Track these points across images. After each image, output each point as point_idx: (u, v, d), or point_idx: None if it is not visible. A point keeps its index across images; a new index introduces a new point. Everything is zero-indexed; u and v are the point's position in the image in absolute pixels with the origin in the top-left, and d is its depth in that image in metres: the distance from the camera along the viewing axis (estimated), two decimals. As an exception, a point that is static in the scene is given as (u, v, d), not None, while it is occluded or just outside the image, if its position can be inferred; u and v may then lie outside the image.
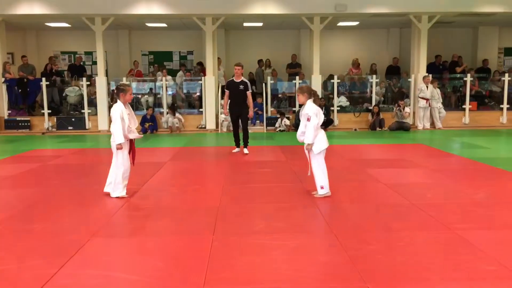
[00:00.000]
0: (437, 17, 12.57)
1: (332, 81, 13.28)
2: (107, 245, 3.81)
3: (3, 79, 12.70)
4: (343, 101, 13.53)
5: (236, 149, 8.74)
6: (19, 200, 5.35)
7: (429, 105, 12.77)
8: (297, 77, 13.10)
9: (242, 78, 8.47)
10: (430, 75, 12.95)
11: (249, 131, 12.50)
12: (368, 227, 4.16)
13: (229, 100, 8.51)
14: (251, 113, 8.60)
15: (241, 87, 8.34)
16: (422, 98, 12.75)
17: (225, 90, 8.62)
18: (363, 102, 13.66)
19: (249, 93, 8.42)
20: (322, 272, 3.19)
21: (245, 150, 8.53)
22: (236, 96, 8.39)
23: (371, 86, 13.45)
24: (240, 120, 8.56)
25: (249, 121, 8.99)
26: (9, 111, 12.91)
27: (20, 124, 12.73)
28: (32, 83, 12.97)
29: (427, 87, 12.77)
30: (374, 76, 13.52)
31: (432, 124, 13.00)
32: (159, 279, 3.14)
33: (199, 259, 3.42)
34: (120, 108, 5.09)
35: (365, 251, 3.55)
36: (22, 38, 15.19)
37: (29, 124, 12.76)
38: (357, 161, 7.68)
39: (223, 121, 12.62)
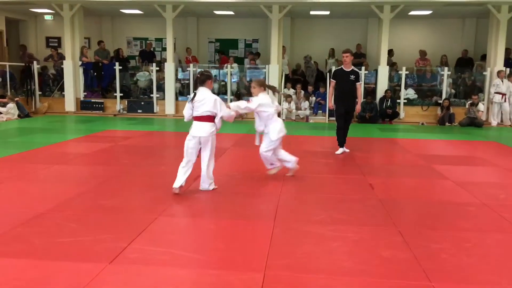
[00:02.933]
0: (520, 6, 11.70)
1: (399, 72, 12.81)
2: (172, 224, 3.98)
3: (80, 63, 13.50)
4: (410, 93, 13.02)
5: (340, 150, 7.48)
6: (92, 176, 5.72)
7: (505, 100, 11.98)
8: (363, 68, 12.76)
9: (353, 67, 7.47)
10: (507, 69, 12.12)
11: (311, 121, 12.55)
12: (435, 225, 4.02)
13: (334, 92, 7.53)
14: (358, 107, 7.64)
15: (352, 77, 7.30)
16: (498, 93, 11.98)
17: (331, 80, 7.64)
18: (432, 95, 13.07)
19: (359, 84, 7.44)
20: (384, 267, 3.13)
21: (342, 149, 7.53)
22: (344, 87, 7.35)
23: (442, 79, 12.82)
24: (345, 115, 7.49)
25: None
26: (85, 93, 13.72)
27: (94, 105, 13.50)
28: (106, 67, 13.67)
29: (502, 81, 11.98)
30: (446, 68, 12.87)
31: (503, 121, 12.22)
32: (220, 259, 3.24)
33: (260, 244, 3.48)
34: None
35: (431, 249, 3.43)
36: (98, 24, 15.99)
37: (102, 106, 13.50)
38: (424, 156, 7.40)
39: (285, 109, 12.61)
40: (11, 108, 11.75)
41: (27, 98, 13.42)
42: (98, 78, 13.86)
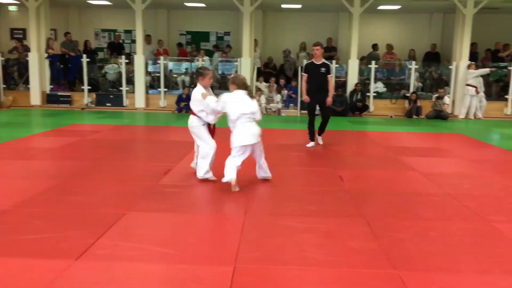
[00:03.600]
0: (484, 2, 12.03)
1: (369, 66, 13.02)
2: (141, 219, 3.94)
3: (46, 55, 13.10)
4: (379, 87, 13.25)
5: (311, 143, 7.56)
6: (59, 172, 5.58)
7: (477, 93, 12.28)
8: (334, 61, 12.87)
9: (323, 60, 7.49)
10: (474, 63, 12.47)
11: (282, 114, 12.61)
12: (401, 215, 4.12)
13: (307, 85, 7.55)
14: (329, 99, 7.48)
15: (322, 69, 7.33)
16: (470, 85, 12.25)
17: (303, 73, 7.71)
18: (401, 88, 13.34)
19: (330, 77, 7.42)
20: (352, 258, 3.19)
21: (320, 140, 7.70)
22: (315, 80, 7.37)
23: (410, 72, 13.09)
24: (320, 109, 7.59)
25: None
26: (51, 86, 13.34)
27: (61, 99, 13.13)
28: (73, 60, 13.32)
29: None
30: (414, 62, 13.14)
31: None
32: (191, 254, 3.23)
33: (230, 238, 3.50)
34: (200, 91, 5.04)
35: (397, 239, 3.53)
36: (65, 15, 15.54)
37: (69, 99, 13.15)
38: (392, 148, 7.56)
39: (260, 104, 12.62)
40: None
41: (-10, 91, 12.96)
42: (64, 71, 13.49)
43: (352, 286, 2.81)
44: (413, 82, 12.99)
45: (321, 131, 7.75)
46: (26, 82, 13.24)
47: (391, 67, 13.85)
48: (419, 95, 12.66)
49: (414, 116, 12.27)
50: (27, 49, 13.50)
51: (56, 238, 3.41)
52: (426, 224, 3.87)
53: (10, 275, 2.82)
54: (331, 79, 7.50)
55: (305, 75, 7.61)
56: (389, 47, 14.12)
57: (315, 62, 7.49)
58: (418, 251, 3.30)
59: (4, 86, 13.30)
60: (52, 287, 2.66)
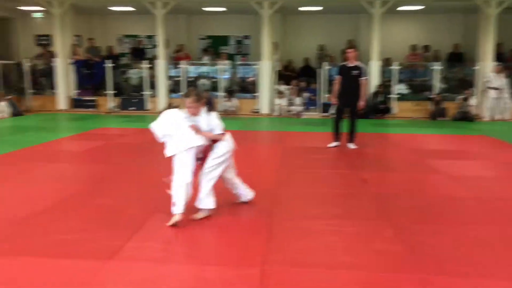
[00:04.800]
0: (507, 1, 11.80)
1: (391, 67, 12.90)
2: (167, 221, 3.99)
3: (70, 61, 13.40)
4: (402, 88, 13.12)
5: (334, 143, 7.61)
6: (88, 175, 5.72)
7: (501, 95, 12.06)
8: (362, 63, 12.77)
9: (356, 62, 7.48)
10: (500, 64, 12.24)
11: (303, 116, 12.60)
12: (427, 219, 4.08)
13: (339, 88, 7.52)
14: (362, 103, 7.40)
15: (355, 72, 7.34)
16: (493, 88, 12.06)
17: (336, 75, 7.73)
18: (424, 90, 13.17)
19: (364, 79, 7.40)
20: (380, 261, 3.18)
21: (351, 145, 7.56)
22: (347, 82, 7.38)
23: (433, 74, 12.92)
24: (350, 112, 7.54)
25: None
26: (77, 91, 13.64)
27: (86, 103, 13.42)
28: (97, 65, 13.59)
29: (496, 76, 12.09)
30: (437, 63, 12.97)
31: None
32: (219, 255, 3.28)
33: (256, 240, 3.52)
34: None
35: (425, 243, 3.49)
36: (89, 22, 15.85)
37: (95, 103, 13.43)
38: (417, 151, 7.47)
39: (277, 105, 12.65)
40: (3, 106, 11.66)
41: (19, 96, 13.30)
42: (89, 76, 13.77)
43: (381, 289, 2.80)
44: (437, 83, 12.82)
45: (351, 137, 7.66)
46: (53, 87, 13.56)
47: (413, 68, 13.70)
48: (443, 96, 12.48)
49: (439, 118, 12.10)
50: (52, 55, 13.84)
51: (88, 239, 3.50)
52: (455, 229, 3.82)
53: (46, 275, 2.91)
54: (365, 82, 7.47)
55: (338, 77, 7.63)
56: (413, 48, 13.96)
57: (348, 64, 7.53)
58: (447, 256, 3.26)
59: (32, 91, 13.65)
60: None
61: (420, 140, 8.85)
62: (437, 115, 12.14)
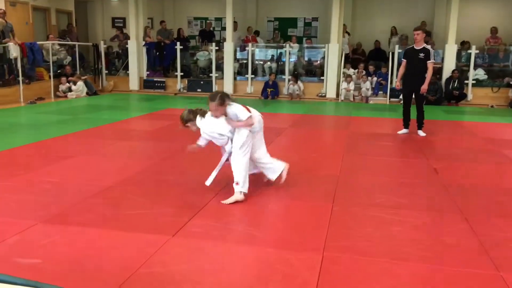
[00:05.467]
0: None
1: (468, 51, 12.09)
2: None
3: (143, 43, 13.91)
4: (480, 74, 12.27)
5: (404, 130, 7.43)
6: (155, 152, 5.95)
7: None
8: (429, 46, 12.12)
9: (424, 45, 7.18)
10: None
11: (370, 101, 12.19)
12: (504, 213, 3.81)
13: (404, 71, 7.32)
14: (424, 87, 7.06)
15: (421, 55, 7.04)
16: None
17: (402, 59, 7.51)
18: (504, 76, 12.23)
19: (430, 63, 7.05)
20: (448, 255, 3.02)
21: (421, 133, 7.28)
22: (412, 66, 7.14)
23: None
24: (414, 97, 7.30)
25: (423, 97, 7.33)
26: (148, 72, 14.17)
27: (156, 84, 13.92)
28: (168, 47, 14.00)
29: None
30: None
31: None
32: (279, 239, 3.27)
33: (318, 226, 3.48)
34: None
35: (500, 238, 3.27)
36: (161, 4, 16.34)
37: (164, 84, 13.89)
38: (493, 140, 6.99)
39: (343, 89, 12.36)
40: (80, 86, 12.39)
41: (95, 76, 14.07)
42: (160, 58, 14.24)
43: (447, 286, 2.66)
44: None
45: (419, 124, 7.35)
46: (126, 68, 14.19)
47: (493, 53, 12.75)
48: (525, 83, 11.54)
49: (519, 107, 11.23)
50: (127, 37, 14.44)
51: (154, 214, 3.64)
52: (533, 225, 3.54)
53: (114, 246, 3.07)
54: (430, 66, 7.10)
55: (404, 61, 7.40)
56: (494, 30, 12.98)
57: (415, 47, 7.24)
58: (524, 253, 3.03)
59: (106, 72, 14.37)
60: (151, 261, 2.85)
61: (498, 130, 8.28)
62: (519, 103, 11.26)
